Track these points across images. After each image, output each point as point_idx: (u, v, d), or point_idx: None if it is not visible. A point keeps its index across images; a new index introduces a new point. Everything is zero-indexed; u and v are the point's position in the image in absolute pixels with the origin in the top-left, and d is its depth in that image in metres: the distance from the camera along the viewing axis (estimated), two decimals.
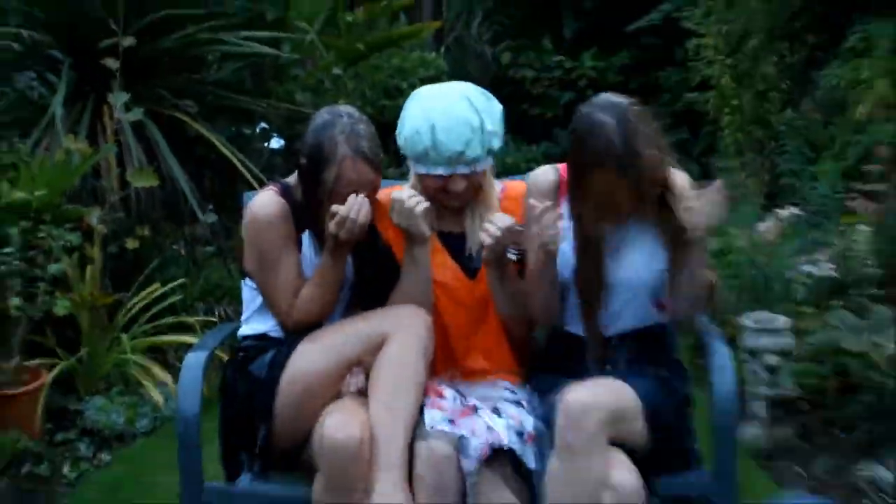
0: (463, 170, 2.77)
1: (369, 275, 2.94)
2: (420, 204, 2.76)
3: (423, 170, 2.81)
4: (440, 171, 2.77)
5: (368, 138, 2.78)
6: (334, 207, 2.70)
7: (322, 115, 2.84)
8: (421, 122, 2.76)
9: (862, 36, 6.73)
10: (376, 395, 2.65)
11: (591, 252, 2.76)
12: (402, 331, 2.71)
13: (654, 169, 2.64)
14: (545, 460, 2.57)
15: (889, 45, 6.42)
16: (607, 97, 2.74)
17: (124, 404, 4.46)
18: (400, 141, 2.85)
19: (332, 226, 2.71)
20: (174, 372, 4.52)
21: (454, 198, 2.84)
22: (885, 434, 3.75)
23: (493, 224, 2.71)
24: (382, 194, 2.89)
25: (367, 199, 2.73)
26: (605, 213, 2.71)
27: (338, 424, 2.56)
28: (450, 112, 2.76)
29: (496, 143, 2.83)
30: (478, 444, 2.59)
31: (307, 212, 2.83)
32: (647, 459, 2.58)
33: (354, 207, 2.70)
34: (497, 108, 2.86)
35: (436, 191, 2.83)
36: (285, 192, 2.86)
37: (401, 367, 2.68)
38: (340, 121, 2.78)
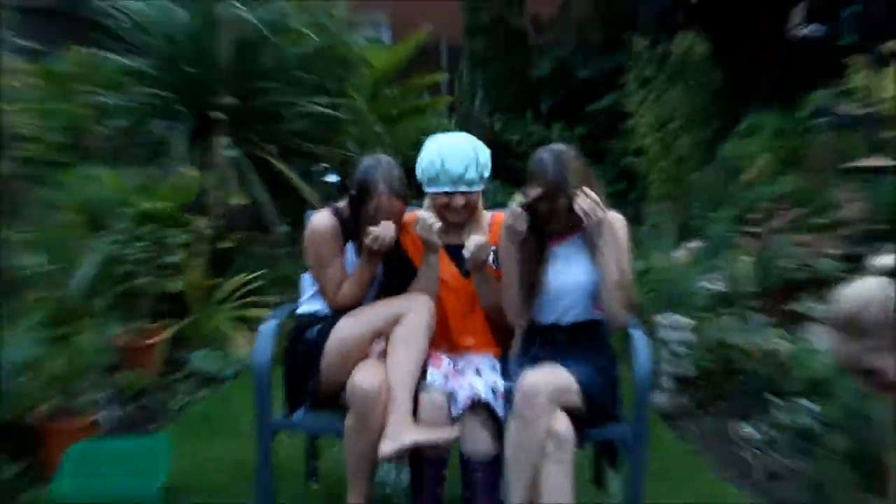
0: (463, 188, 2.84)
1: (394, 276, 2.98)
2: (436, 223, 2.83)
3: (434, 189, 2.87)
4: (447, 188, 2.84)
5: (399, 179, 2.85)
6: (370, 228, 2.78)
7: (368, 160, 2.90)
8: (434, 154, 2.85)
9: (750, 123, 6.79)
10: (392, 359, 2.71)
11: (534, 258, 2.82)
12: (413, 312, 2.77)
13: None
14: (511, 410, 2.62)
15: (769, 130, 6.48)
16: (553, 144, 2.83)
17: (218, 357, 4.51)
18: (418, 171, 2.91)
19: (368, 241, 2.78)
20: (253, 336, 4.58)
21: (456, 213, 2.90)
22: (754, 404, 3.79)
23: (470, 243, 2.78)
24: (407, 216, 2.94)
25: (393, 225, 2.79)
26: (545, 225, 2.78)
27: (364, 378, 2.64)
28: (454, 146, 2.86)
29: (486, 173, 2.90)
30: (463, 397, 2.65)
31: (352, 228, 2.88)
32: (583, 421, 2.63)
33: (384, 230, 2.77)
34: (487, 150, 2.94)
35: (443, 206, 2.88)
36: (337, 212, 2.91)
37: (410, 339, 2.73)
38: (381, 165, 2.85)
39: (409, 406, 2.64)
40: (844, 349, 1.98)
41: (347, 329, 2.79)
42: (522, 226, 2.74)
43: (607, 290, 2.76)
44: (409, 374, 2.68)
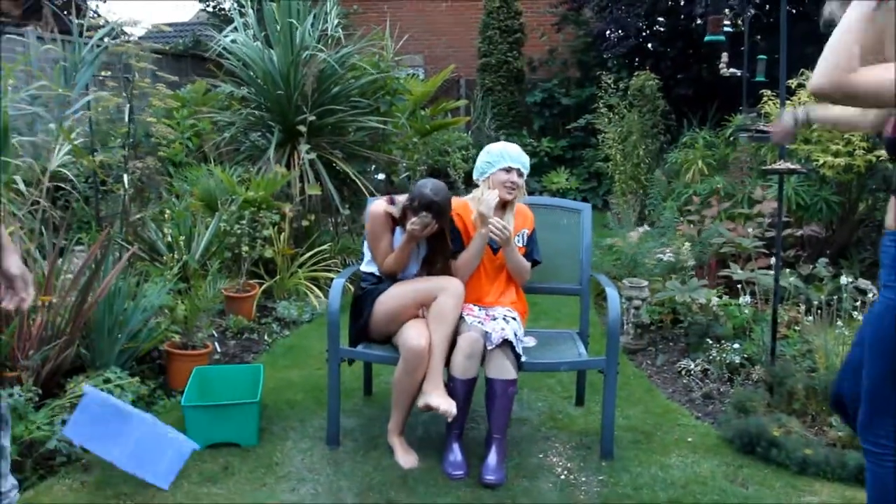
0: (518, 166, 2.78)
1: (440, 249, 2.78)
2: (495, 199, 2.70)
3: (500, 165, 2.77)
4: (509, 163, 2.77)
5: (444, 197, 2.65)
6: (414, 219, 2.62)
7: (425, 181, 2.69)
8: (497, 146, 2.82)
9: (688, 137, 6.64)
10: (432, 326, 2.58)
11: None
12: (447, 291, 2.62)
13: None
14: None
15: (702, 143, 6.33)
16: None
17: (298, 306, 4.39)
18: (481, 164, 2.83)
19: (409, 227, 2.63)
20: (325, 290, 4.51)
21: (510, 189, 2.78)
22: (694, 345, 3.68)
23: (496, 222, 2.68)
24: (457, 205, 2.82)
25: (428, 221, 2.62)
26: None
27: (413, 336, 2.54)
28: (510, 144, 2.87)
29: (528, 168, 2.84)
30: (495, 337, 2.54)
31: (402, 217, 2.73)
32: None
33: (417, 225, 2.62)
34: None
35: (502, 183, 2.77)
36: (392, 200, 2.76)
37: (445, 311, 2.59)
38: (431, 186, 2.64)
39: (441, 367, 2.54)
40: None
41: (394, 295, 2.67)
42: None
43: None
44: (442, 347, 2.56)
